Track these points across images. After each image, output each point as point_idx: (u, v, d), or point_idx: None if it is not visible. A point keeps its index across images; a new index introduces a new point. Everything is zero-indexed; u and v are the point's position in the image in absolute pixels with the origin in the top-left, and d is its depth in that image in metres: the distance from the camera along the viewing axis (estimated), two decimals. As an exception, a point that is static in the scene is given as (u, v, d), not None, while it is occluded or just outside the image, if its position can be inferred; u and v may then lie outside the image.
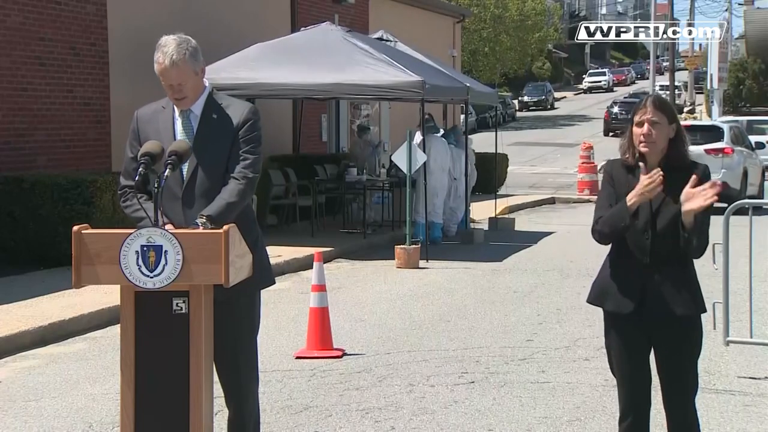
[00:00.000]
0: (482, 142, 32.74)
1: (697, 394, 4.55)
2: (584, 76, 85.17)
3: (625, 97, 59.89)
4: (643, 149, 4.40)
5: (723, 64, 41.77)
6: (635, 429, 4.55)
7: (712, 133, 22.46)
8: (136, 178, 4.17)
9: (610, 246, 4.55)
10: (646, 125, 4.38)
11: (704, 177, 4.38)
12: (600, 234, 4.46)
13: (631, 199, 4.32)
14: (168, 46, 4.41)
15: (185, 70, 4.42)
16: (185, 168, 4.46)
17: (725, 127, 22.88)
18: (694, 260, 4.53)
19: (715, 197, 4.20)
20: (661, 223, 4.36)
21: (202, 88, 4.56)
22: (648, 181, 4.28)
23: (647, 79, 61.75)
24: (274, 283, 4.78)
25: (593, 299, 4.62)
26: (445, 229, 17.20)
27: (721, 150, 21.78)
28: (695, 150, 22.18)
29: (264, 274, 4.62)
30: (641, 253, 4.40)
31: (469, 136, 19.39)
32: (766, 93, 53.99)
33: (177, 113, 4.55)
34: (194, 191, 4.47)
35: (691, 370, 4.50)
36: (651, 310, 4.40)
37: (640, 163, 4.43)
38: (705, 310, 4.52)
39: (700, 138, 21.52)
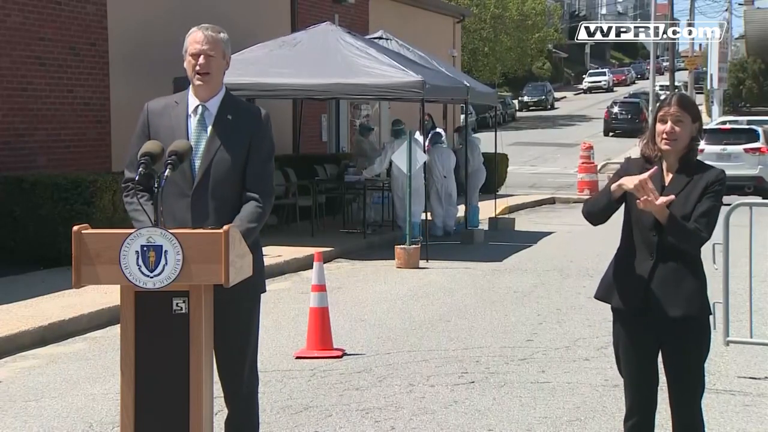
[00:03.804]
0: (482, 142, 32.65)
1: (703, 395, 4.55)
2: (584, 76, 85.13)
3: (625, 97, 59.85)
4: (664, 147, 4.39)
5: (723, 64, 41.79)
6: (640, 428, 4.55)
7: (749, 134, 25.56)
8: (136, 178, 4.17)
9: (619, 243, 4.55)
10: (669, 122, 4.38)
11: (717, 181, 4.37)
12: (583, 211, 4.56)
13: (616, 185, 4.32)
14: (203, 25, 4.57)
15: (217, 44, 4.49)
16: (197, 166, 4.45)
17: (760, 130, 25.70)
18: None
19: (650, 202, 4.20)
20: None
21: (221, 82, 4.57)
22: (643, 183, 4.23)
23: (647, 79, 61.68)
24: (265, 290, 4.76)
25: (600, 295, 4.61)
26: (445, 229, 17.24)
27: (758, 149, 24.74)
28: (734, 149, 24.03)
29: (262, 276, 4.62)
30: (648, 250, 4.39)
31: (477, 135, 19.37)
32: (766, 93, 54.01)
33: (191, 110, 4.53)
34: (204, 191, 4.44)
35: (697, 371, 4.48)
36: (653, 308, 4.39)
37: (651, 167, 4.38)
38: (710, 313, 4.49)
39: (738, 139, 25.06)
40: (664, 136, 4.37)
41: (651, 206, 4.22)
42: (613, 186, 4.36)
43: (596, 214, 4.48)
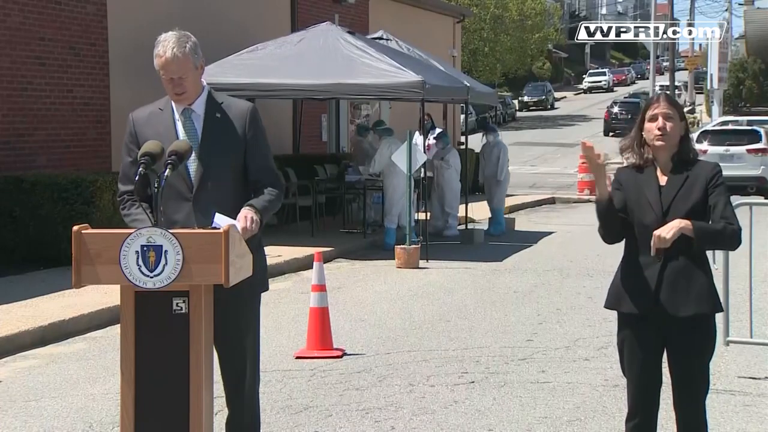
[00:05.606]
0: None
1: (707, 396, 4.55)
2: (584, 76, 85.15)
3: (625, 97, 59.84)
4: (658, 143, 4.39)
5: (723, 64, 41.76)
6: (642, 428, 4.53)
7: (751, 135, 26.37)
8: (136, 179, 4.16)
9: (624, 248, 4.53)
10: (660, 118, 4.38)
11: (715, 175, 4.38)
12: (600, 234, 4.52)
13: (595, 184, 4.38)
14: (168, 40, 4.41)
15: (186, 63, 4.41)
16: (192, 168, 4.43)
17: (762, 131, 26.43)
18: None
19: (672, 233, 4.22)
20: (673, 219, 4.31)
21: (201, 86, 4.54)
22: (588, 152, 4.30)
23: (647, 79, 61.71)
24: (267, 288, 4.78)
25: (610, 304, 4.55)
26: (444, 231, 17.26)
27: (760, 150, 25.61)
28: (737, 150, 24.71)
29: (264, 276, 4.62)
30: (652, 251, 4.37)
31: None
32: (766, 93, 54.00)
33: (177, 114, 4.52)
34: (205, 192, 4.43)
35: (702, 371, 4.48)
36: (663, 308, 4.36)
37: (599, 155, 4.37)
38: (721, 309, 4.48)
39: (740, 140, 25.90)
40: (657, 132, 4.38)
41: (663, 242, 4.22)
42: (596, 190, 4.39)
43: (603, 228, 4.46)
